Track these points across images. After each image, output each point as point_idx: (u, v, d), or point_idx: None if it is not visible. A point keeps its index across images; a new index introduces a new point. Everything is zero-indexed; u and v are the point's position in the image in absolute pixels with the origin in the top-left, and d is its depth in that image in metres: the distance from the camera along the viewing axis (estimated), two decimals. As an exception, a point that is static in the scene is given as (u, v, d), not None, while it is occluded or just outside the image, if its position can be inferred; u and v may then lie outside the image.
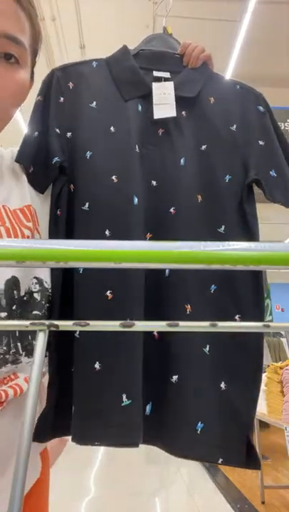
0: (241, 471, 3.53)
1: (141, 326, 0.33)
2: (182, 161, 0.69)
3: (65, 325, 0.31)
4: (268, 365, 2.90)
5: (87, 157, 0.67)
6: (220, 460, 0.58)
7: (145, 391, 0.57)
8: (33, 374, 0.28)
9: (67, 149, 0.68)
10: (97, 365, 0.57)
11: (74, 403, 0.57)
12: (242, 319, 0.64)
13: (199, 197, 0.68)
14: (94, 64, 0.74)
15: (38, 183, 0.67)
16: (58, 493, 2.91)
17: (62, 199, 0.66)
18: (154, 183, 0.68)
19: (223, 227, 0.67)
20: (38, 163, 0.67)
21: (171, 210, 0.65)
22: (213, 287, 0.64)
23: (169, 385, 0.58)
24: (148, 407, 0.58)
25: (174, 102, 0.69)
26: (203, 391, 0.59)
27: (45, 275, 0.61)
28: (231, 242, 0.30)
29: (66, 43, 5.38)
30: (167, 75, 0.74)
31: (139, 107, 0.71)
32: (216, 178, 0.70)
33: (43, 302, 0.60)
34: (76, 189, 0.66)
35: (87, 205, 0.63)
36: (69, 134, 0.69)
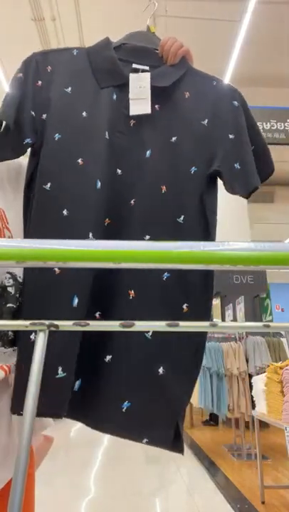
0: (241, 471, 3.53)
1: (141, 326, 0.33)
2: (148, 153, 0.71)
3: (65, 325, 0.31)
4: (268, 365, 2.90)
5: (55, 139, 0.68)
6: (144, 440, 0.60)
7: (78, 368, 0.59)
8: (33, 374, 0.28)
9: (39, 131, 0.69)
10: (32, 336, 0.57)
11: (15, 375, 0.57)
12: (189, 308, 0.66)
13: (164, 188, 0.69)
14: (74, 52, 0.76)
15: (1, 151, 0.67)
16: (58, 493, 2.91)
17: (35, 181, 0.68)
18: (119, 171, 0.69)
19: (182, 217, 0.69)
20: (9, 137, 0.67)
21: (132, 201, 0.68)
22: (166, 275, 0.66)
23: (101, 364, 0.60)
24: (77, 383, 0.60)
25: (150, 97, 0.71)
26: (136, 373, 0.61)
27: (19, 270, 0.64)
28: (231, 242, 0.30)
29: (66, 43, 5.38)
30: (146, 67, 0.75)
31: (114, 96, 0.72)
32: (182, 169, 0.71)
33: (17, 295, 0.62)
34: (41, 169, 0.67)
35: (48, 184, 0.65)
36: (44, 116, 0.70)
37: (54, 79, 0.72)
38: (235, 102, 0.78)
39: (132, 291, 0.64)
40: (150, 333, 0.62)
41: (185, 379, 0.66)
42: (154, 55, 0.80)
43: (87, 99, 0.71)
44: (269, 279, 7.14)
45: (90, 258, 0.29)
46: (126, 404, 0.59)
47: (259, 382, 2.91)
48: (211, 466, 3.68)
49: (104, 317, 0.62)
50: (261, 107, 5.65)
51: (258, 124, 5.43)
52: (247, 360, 4.25)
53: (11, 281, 0.62)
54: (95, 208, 0.65)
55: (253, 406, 3.14)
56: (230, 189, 0.74)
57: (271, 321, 9.70)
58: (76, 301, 0.59)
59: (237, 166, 0.73)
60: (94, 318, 0.62)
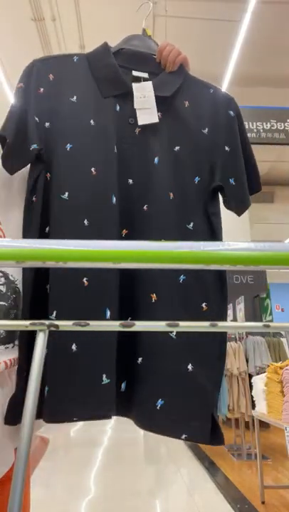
0: (241, 471, 3.53)
1: (141, 326, 0.33)
2: (156, 160, 0.72)
3: (65, 325, 0.31)
4: (268, 365, 2.90)
5: (67, 149, 0.69)
6: (183, 436, 0.61)
7: (119, 371, 0.62)
8: (33, 374, 0.28)
9: (44, 138, 0.70)
10: (74, 347, 0.60)
11: (48, 383, 0.60)
12: (208, 307, 0.68)
13: (171, 195, 0.71)
14: (75, 58, 0.76)
15: (9, 165, 0.69)
16: (57, 493, 2.91)
17: (38, 186, 0.69)
18: (130, 181, 0.71)
19: (191, 224, 0.71)
20: (16, 147, 0.69)
21: (145, 207, 0.69)
22: (182, 277, 0.68)
23: (136, 366, 0.64)
24: (123, 385, 0.64)
25: (155, 106, 0.72)
26: (165, 371, 0.64)
27: (12, 269, 0.66)
28: (231, 242, 0.30)
29: (66, 43, 5.38)
30: (146, 75, 0.76)
31: (117, 105, 0.73)
32: (187, 178, 0.73)
33: (9, 293, 0.64)
34: (55, 178, 0.68)
35: (66, 194, 0.66)
36: (47, 124, 0.71)
37: (57, 87, 0.73)
38: (232, 112, 0.79)
39: (154, 295, 0.66)
40: (174, 333, 0.64)
41: (213, 372, 0.68)
42: (152, 61, 0.81)
43: (92, 108, 0.72)
44: (269, 279, 7.14)
45: (89, 258, 0.29)
46: (160, 402, 0.61)
47: (259, 382, 2.91)
48: (211, 466, 3.68)
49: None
50: (261, 107, 5.65)
51: (258, 124, 5.45)
52: (247, 360, 4.25)
53: (2, 279, 0.64)
54: (113, 220, 0.67)
55: (253, 406, 3.14)
56: (227, 205, 0.77)
57: (271, 321, 9.69)
58: (108, 313, 0.62)
59: (232, 181, 0.75)
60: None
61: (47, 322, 0.31)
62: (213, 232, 0.74)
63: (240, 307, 5.23)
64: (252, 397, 3.20)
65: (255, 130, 5.36)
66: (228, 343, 4.39)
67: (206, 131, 0.76)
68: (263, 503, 2.70)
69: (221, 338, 0.70)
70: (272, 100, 6.01)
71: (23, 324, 0.32)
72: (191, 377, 0.64)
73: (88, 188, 0.67)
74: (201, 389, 0.65)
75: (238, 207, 0.77)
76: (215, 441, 0.64)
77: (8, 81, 5.02)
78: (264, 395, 2.74)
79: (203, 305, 0.69)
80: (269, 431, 5.11)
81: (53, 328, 0.31)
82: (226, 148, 0.76)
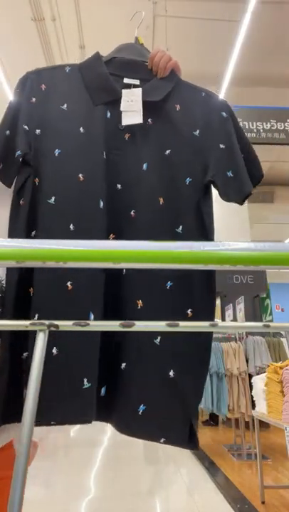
0: (241, 471, 3.53)
1: (141, 326, 0.33)
2: (145, 166, 0.73)
3: (65, 325, 0.31)
4: (268, 365, 2.90)
5: (56, 154, 0.70)
6: (162, 439, 0.63)
7: (100, 376, 0.62)
8: (33, 374, 0.28)
9: (34, 145, 0.72)
10: (54, 351, 0.60)
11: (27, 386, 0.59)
12: (193, 313, 0.68)
13: (161, 199, 0.72)
14: (67, 69, 0.78)
15: (6, 178, 0.71)
16: (57, 493, 2.91)
17: (26, 190, 0.70)
18: (119, 186, 0.72)
19: (180, 227, 0.72)
20: (6, 161, 0.70)
21: (132, 212, 0.70)
22: (169, 283, 0.68)
23: (119, 371, 0.64)
24: (103, 390, 0.64)
25: (141, 109, 0.73)
26: (149, 378, 0.64)
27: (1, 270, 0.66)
28: (231, 242, 0.30)
29: (66, 42, 5.38)
30: (137, 82, 0.77)
31: (108, 112, 0.74)
32: (178, 180, 0.74)
33: None
34: (42, 183, 0.70)
35: (53, 198, 0.67)
36: (38, 131, 0.72)
37: (49, 96, 0.74)
38: (224, 113, 0.80)
39: (140, 301, 0.66)
40: (158, 340, 0.64)
41: (194, 379, 0.68)
42: (144, 68, 0.82)
43: (83, 116, 0.73)
44: (269, 279, 7.13)
45: (89, 258, 0.29)
46: (142, 407, 0.62)
47: (259, 382, 2.91)
48: (211, 466, 3.68)
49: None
50: (261, 107, 5.65)
51: (258, 124, 5.44)
52: (247, 360, 4.25)
53: None
54: (100, 224, 0.68)
55: (253, 406, 3.14)
56: (225, 196, 0.76)
57: (271, 321, 9.70)
58: (92, 317, 0.61)
59: (230, 174, 0.76)
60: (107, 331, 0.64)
61: (47, 322, 0.31)
62: (205, 231, 0.74)
63: (240, 307, 5.23)
64: (252, 397, 3.20)
65: (255, 130, 5.36)
66: (228, 343, 4.39)
67: (197, 132, 0.77)
68: (263, 503, 2.70)
69: (205, 346, 0.70)
70: (272, 100, 6.01)
71: (23, 324, 0.32)
72: (172, 384, 0.65)
73: (75, 194, 0.68)
74: (182, 395, 0.66)
75: (239, 195, 0.76)
76: (191, 445, 0.65)
77: (8, 81, 5.01)
78: (264, 395, 2.74)
79: (188, 311, 0.69)
80: (269, 431, 5.11)
81: (53, 328, 0.31)
82: (221, 146, 0.77)
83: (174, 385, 0.65)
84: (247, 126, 5.37)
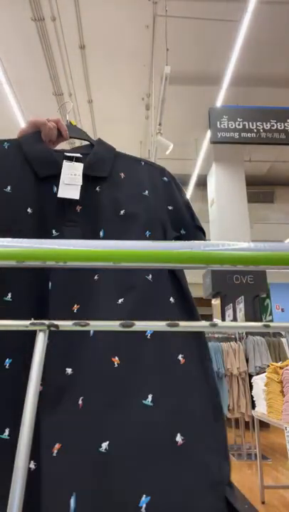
0: (241, 471, 3.53)
1: (141, 326, 0.33)
2: (102, 233, 0.71)
3: (65, 325, 0.31)
4: (268, 365, 2.90)
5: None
6: None
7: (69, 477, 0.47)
8: (33, 374, 0.28)
9: None
10: (32, 465, 0.48)
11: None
12: (185, 358, 0.58)
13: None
14: (6, 145, 0.74)
15: None
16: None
17: None
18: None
19: (150, 275, 0.68)
20: None
21: (95, 277, 0.66)
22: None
23: (96, 457, 0.45)
24: (72, 502, 0.44)
25: (80, 184, 0.72)
26: (147, 453, 0.46)
27: None
28: (231, 242, 0.30)
29: (66, 43, 5.38)
30: (79, 155, 0.76)
31: (54, 187, 0.72)
32: (137, 233, 0.73)
33: None
34: None
35: (9, 295, 0.62)
36: None
37: None
38: (165, 178, 0.83)
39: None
40: (150, 400, 0.50)
41: (213, 438, 0.52)
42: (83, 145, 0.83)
43: (28, 195, 0.70)
44: (269, 279, 7.14)
45: (89, 258, 0.29)
46: (144, 500, 0.43)
47: (259, 382, 2.91)
48: (211, 466, 3.67)
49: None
50: (261, 107, 5.65)
51: (258, 124, 5.44)
52: (247, 360, 4.25)
53: None
54: (60, 299, 0.63)
55: (253, 406, 3.14)
56: None
57: (271, 321, 9.70)
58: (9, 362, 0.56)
59: (183, 231, 0.80)
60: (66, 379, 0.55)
61: (47, 322, 0.31)
62: (174, 276, 0.72)
63: (240, 307, 5.23)
64: (252, 397, 3.20)
65: (255, 130, 5.36)
66: (228, 343, 4.39)
67: (146, 193, 0.77)
68: (263, 503, 2.70)
69: (218, 403, 0.56)
70: (272, 100, 6.01)
71: (23, 324, 0.31)
72: (184, 453, 0.47)
73: (28, 275, 0.64)
74: (200, 465, 0.48)
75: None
76: None
77: (8, 81, 5.01)
78: (264, 395, 2.74)
79: (180, 357, 0.61)
80: (269, 431, 5.11)
81: (53, 328, 0.31)
82: (169, 207, 0.80)
83: (187, 454, 0.47)
84: (247, 126, 5.37)
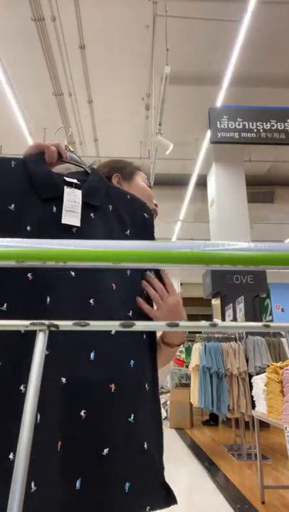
0: (241, 471, 3.53)
1: (140, 326, 0.33)
2: None
3: (65, 325, 0.31)
4: (268, 365, 2.90)
5: None
6: (147, 508, 0.66)
7: (74, 467, 0.61)
8: (33, 374, 0.28)
9: None
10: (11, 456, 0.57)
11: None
12: (149, 386, 0.73)
13: (113, 285, 0.76)
14: (13, 163, 0.78)
15: None
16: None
17: None
18: (72, 273, 0.74)
19: (130, 312, 0.77)
20: None
21: (91, 301, 0.72)
22: (132, 362, 0.71)
23: (100, 458, 0.63)
24: (78, 483, 0.61)
25: (80, 212, 0.79)
26: (130, 456, 0.66)
27: None
28: (231, 242, 0.30)
29: (66, 43, 5.38)
30: (76, 181, 0.82)
31: (54, 207, 0.77)
32: (121, 272, 0.80)
33: None
34: None
35: (5, 305, 0.66)
36: None
37: None
38: (146, 214, 0.89)
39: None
40: (132, 418, 0.67)
41: (159, 442, 0.74)
42: (80, 172, 0.88)
43: (29, 213, 0.74)
44: (269, 279, 7.14)
45: (89, 258, 0.29)
46: (127, 484, 0.64)
47: (259, 382, 2.91)
48: (211, 466, 3.68)
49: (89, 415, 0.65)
50: (261, 107, 5.65)
51: (258, 124, 5.44)
52: (247, 360, 4.25)
53: None
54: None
55: (253, 406, 3.14)
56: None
57: (271, 321, 9.70)
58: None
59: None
60: (80, 419, 0.64)
61: (47, 322, 0.31)
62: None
63: (240, 307, 5.23)
64: (252, 397, 3.20)
65: (255, 130, 5.36)
66: (228, 343, 4.39)
67: (128, 232, 0.84)
68: (263, 503, 2.70)
69: (158, 415, 0.75)
70: (272, 100, 6.01)
71: (23, 324, 0.31)
72: (147, 455, 0.69)
73: (27, 290, 0.67)
74: (154, 462, 0.70)
75: None
76: (171, 502, 0.70)
77: (8, 81, 5.01)
78: (264, 395, 2.74)
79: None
80: (269, 431, 5.11)
81: (53, 328, 0.31)
82: None
83: (149, 456, 0.69)
84: (247, 126, 5.37)
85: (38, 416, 0.59)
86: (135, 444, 0.67)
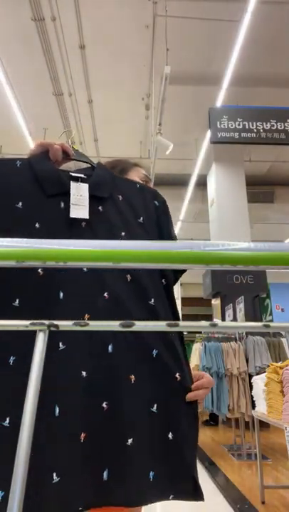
0: (241, 471, 3.53)
1: (140, 325, 0.33)
2: None
3: (65, 325, 0.31)
4: (268, 365, 2.90)
5: None
6: (171, 496, 0.68)
7: (101, 457, 0.63)
8: (33, 374, 0.28)
9: None
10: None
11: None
12: (181, 377, 0.72)
13: (128, 276, 0.75)
14: (18, 163, 0.79)
15: None
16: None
17: None
18: (84, 269, 0.74)
19: (152, 300, 0.75)
20: None
21: (105, 294, 0.71)
22: (154, 352, 0.71)
23: (125, 448, 0.64)
24: (105, 473, 0.62)
25: (88, 205, 0.78)
26: (154, 446, 0.67)
27: None
28: (231, 242, 0.30)
29: (66, 43, 5.38)
30: (83, 176, 0.82)
31: (61, 203, 0.77)
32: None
33: None
34: (6, 287, 0.68)
35: (17, 301, 0.66)
36: None
37: (2, 195, 0.75)
38: (156, 202, 0.89)
39: (133, 376, 0.68)
40: (155, 407, 0.68)
41: (190, 434, 0.72)
42: (86, 167, 0.88)
43: (37, 211, 0.75)
44: (269, 279, 7.14)
45: (90, 258, 0.29)
46: (151, 474, 0.65)
47: (259, 382, 2.91)
48: (211, 466, 3.68)
49: (111, 406, 0.66)
50: (261, 106, 5.65)
51: (258, 124, 5.43)
52: (247, 360, 4.25)
53: None
54: (69, 311, 0.69)
55: (253, 406, 3.14)
56: (170, 278, 0.86)
57: (271, 321, 9.70)
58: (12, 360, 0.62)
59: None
60: (102, 410, 0.64)
61: (47, 322, 0.31)
62: (170, 302, 0.80)
63: (240, 307, 5.23)
64: (252, 397, 3.20)
65: (255, 130, 5.36)
66: (229, 343, 4.39)
67: (141, 219, 0.84)
68: (263, 503, 2.70)
69: (195, 408, 0.74)
70: (272, 100, 6.01)
71: (23, 324, 0.31)
72: (172, 445, 0.69)
73: (37, 287, 0.68)
74: (183, 453, 0.70)
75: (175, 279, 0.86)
76: (197, 497, 0.71)
77: (8, 81, 5.01)
78: (264, 395, 2.74)
79: (177, 375, 0.72)
80: (269, 431, 5.11)
81: (53, 328, 0.31)
82: (158, 231, 0.85)
83: (175, 446, 0.69)
84: (247, 126, 5.37)
85: (57, 409, 0.60)
86: (159, 434, 0.68)
